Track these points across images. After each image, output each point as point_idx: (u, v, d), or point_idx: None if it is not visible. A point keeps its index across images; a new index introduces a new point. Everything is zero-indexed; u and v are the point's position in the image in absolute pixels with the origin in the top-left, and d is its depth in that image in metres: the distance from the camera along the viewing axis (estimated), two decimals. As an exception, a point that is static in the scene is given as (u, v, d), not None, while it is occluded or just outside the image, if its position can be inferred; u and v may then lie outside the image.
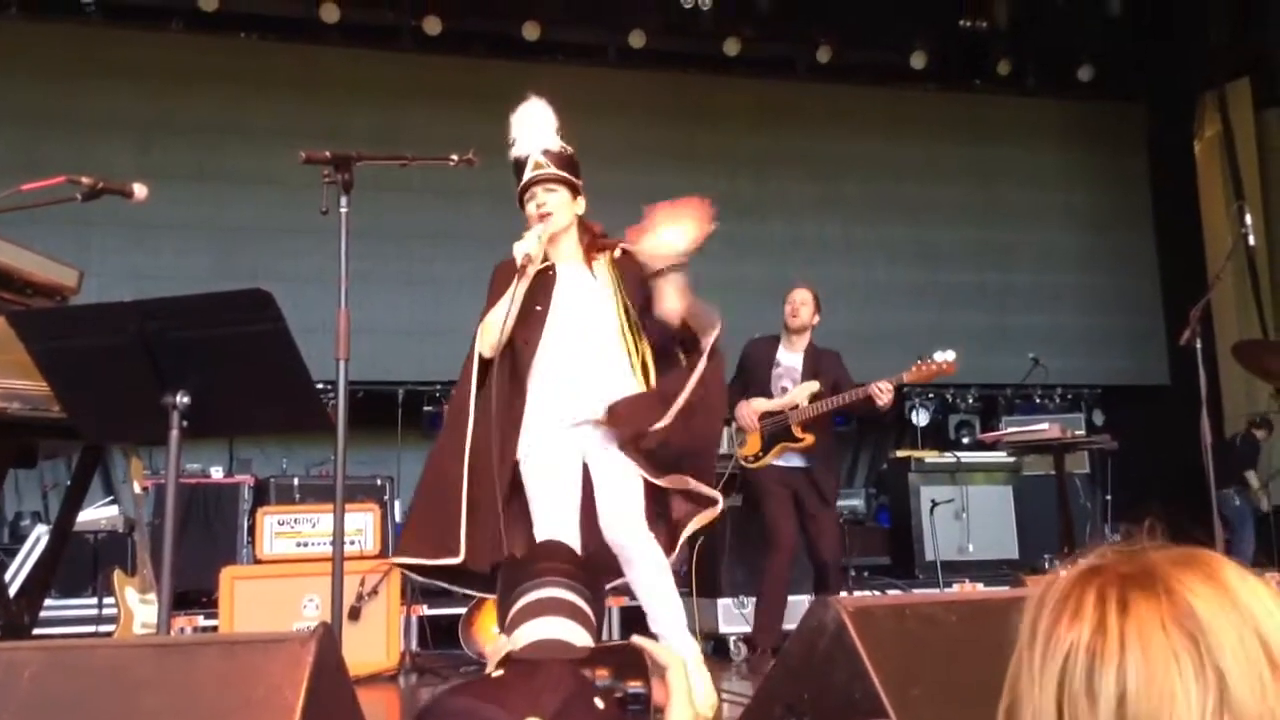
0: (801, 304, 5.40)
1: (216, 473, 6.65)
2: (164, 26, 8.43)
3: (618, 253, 3.54)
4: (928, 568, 7.15)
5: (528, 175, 3.48)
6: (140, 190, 2.97)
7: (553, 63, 9.02)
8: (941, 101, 9.89)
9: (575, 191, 3.53)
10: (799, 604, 5.45)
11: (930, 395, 9.40)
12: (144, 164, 7.62)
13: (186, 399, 2.38)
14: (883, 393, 5.03)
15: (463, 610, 5.36)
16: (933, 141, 9.70)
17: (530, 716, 2.66)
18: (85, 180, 2.88)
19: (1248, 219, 4.83)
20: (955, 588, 6.80)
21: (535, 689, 2.86)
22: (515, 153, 3.56)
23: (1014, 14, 8.98)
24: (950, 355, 5.07)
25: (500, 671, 3.16)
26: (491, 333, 3.39)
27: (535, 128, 3.56)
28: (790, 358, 5.42)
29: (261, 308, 2.29)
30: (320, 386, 2.87)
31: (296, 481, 6.45)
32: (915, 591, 6.90)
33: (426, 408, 8.19)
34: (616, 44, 9.06)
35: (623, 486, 3.36)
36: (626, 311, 3.48)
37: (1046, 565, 7.34)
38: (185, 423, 2.40)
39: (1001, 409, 9.37)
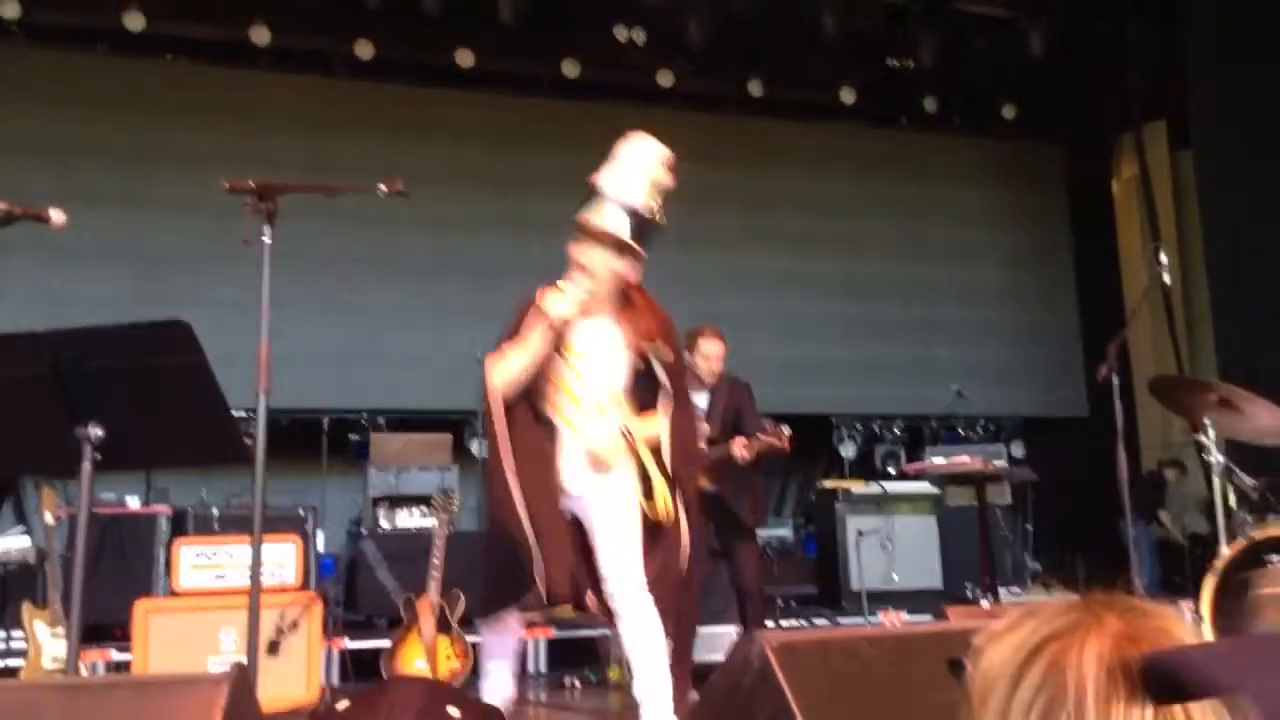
0: (717, 359, 5.27)
1: (133, 502, 6.49)
2: (89, 48, 8.27)
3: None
4: (854, 597, 7.22)
5: (591, 219, 3.40)
6: (58, 216, 2.88)
7: (486, 91, 9.02)
8: (869, 138, 10.07)
9: (632, 258, 3.46)
10: (726, 634, 5.47)
11: (858, 426, 9.51)
12: (64, 187, 7.44)
13: (100, 432, 2.32)
14: (744, 449, 5.09)
15: (386, 643, 5.28)
16: (860, 177, 9.87)
17: None
18: (0, 205, 2.80)
19: (1163, 258, 4.97)
20: (880, 617, 6.88)
21: (381, 712, 2.84)
22: (602, 181, 3.45)
23: (939, 54, 9.18)
24: (786, 430, 5.12)
25: (345, 703, 3.14)
26: (508, 375, 3.38)
27: (637, 173, 3.44)
28: (697, 397, 5.34)
29: (180, 340, 2.23)
30: (242, 414, 2.82)
31: (215, 512, 6.32)
32: (841, 621, 6.96)
33: (352, 436, 8.08)
34: (550, 75, 9.08)
35: (620, 542, 3.41)
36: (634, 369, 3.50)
37: (969, 594, 7.44)
38: (98, 456, 2.34)
39: (927, 440, 9.50)
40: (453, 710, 2.98)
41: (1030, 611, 0.93)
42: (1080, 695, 0.84)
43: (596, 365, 3.47)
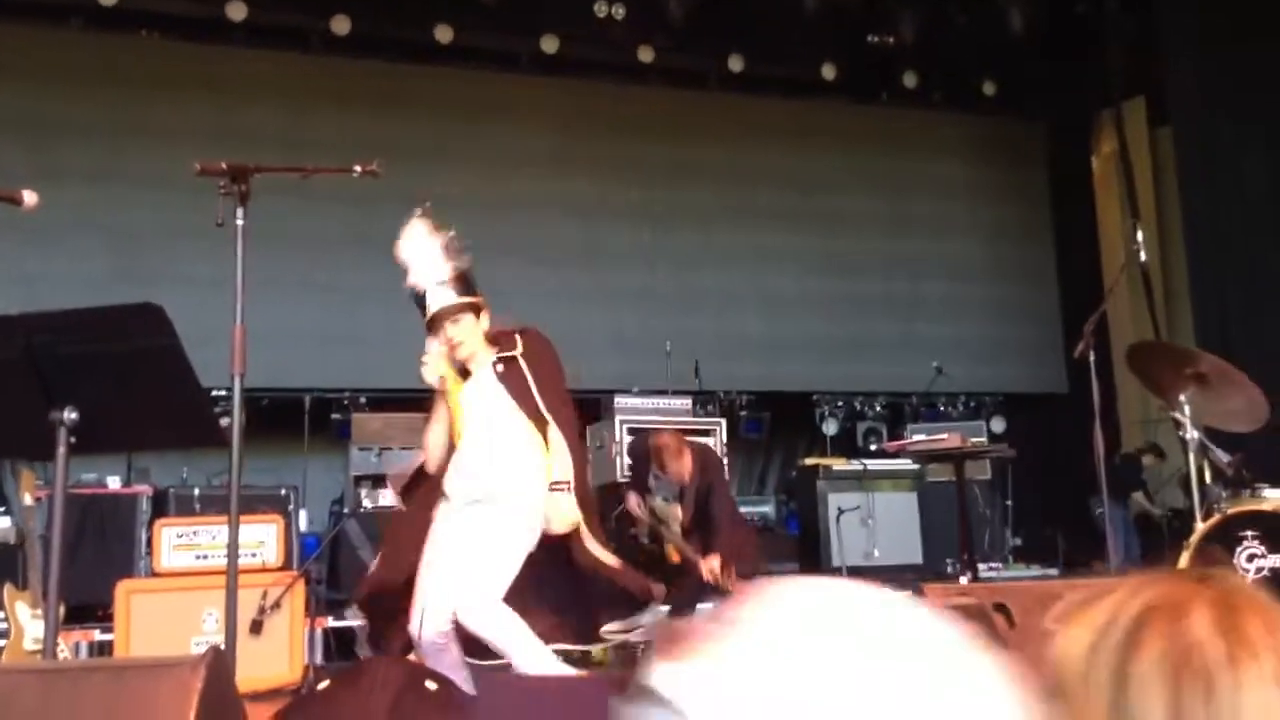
0: (686, 472, 5.41)
1: (113, 482, 6.45)
2: (62, 23, 8.18)
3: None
4: (835, 574, 7.24)
5: (431, 311, 3.68)
6: (30, 198, 2.87)
7: (464, 67, 8.96)
8: (850, 114, 10.06)
9: (478, 310, 3.74)
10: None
11: (839, 403, 9.54)
12: (38, 164, 7.37)
13: (75, 415, 2.30)
14: (710, 574, 5.19)
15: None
16: (842, 153, 9.86)
17: None
18: (-29, 187, 2.77)
19: (1139, 236, 4.99)
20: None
21: (363, 693, 2.86)
22: (410, 282, 3.72)
23: (920, 30, 9.17)
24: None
25: (326, 683, 3.16)
26: (432, 455, 3.83)
27: (422, 257, 3.71)
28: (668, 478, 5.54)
29: (153, 323, 2.22)
30: (222, 393, 2.82)
31: (197, 492, 6.31)
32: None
33: (334, 415, 8.05)
34: (529, 50, 9.03)
35: (488, 558, 3.57)
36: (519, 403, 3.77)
37: (949, 569, 7.50)
38: (73, 439, 2.33)
39: (908, 416, 9.55)
40: (430, 684, 3.00)
41: (1099, 590, 0.93)
42: (1207, 661, 0.85)
43: (483, 414, 3.75)
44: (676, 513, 5.43)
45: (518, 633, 3.45)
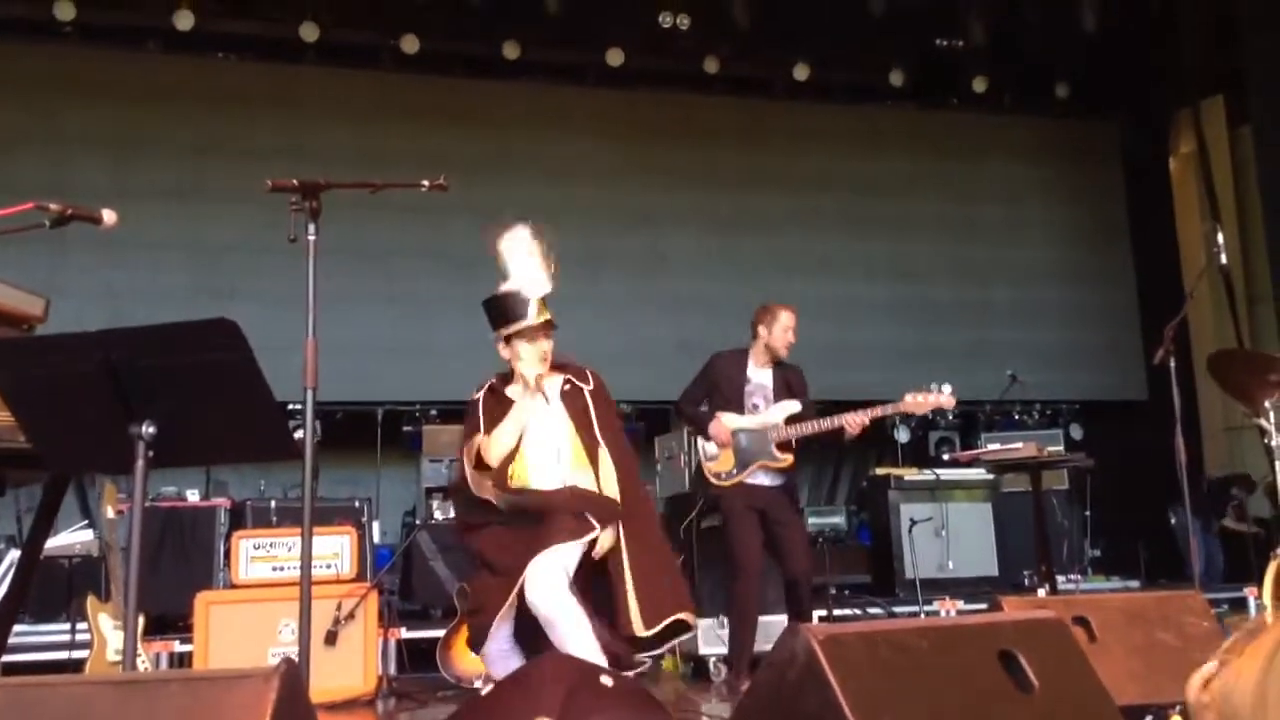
0: (794, 331, 5.39)
1: (193, 495, 6.60)
2: (141, 47, 8.41)
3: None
4: (908, 586, 7.15)
5: (537, 319, 3.87)
6: (110, 216, 2.94)
7: (531, 82, 9.04)
8: (919, 119, 9.95)
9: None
10: (776, 624, 5.44)
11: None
12: (121, 183, 7.60)
13: (152, 429, 2.35)
14: (852, 427, 5.13)
15: (441, 633, 5.33)
16: (910, 159, 9.75)
17: (539, 717, 2.63)
18: (53, 207, 2.84)
19: (1219, 238, 4.86)
20: (936, 605, 6.81)
21: (534, 689, 2.85)
22: (512, 286, 3.86)
23: (990, 32, 9.04)
24: (947, 389, 5.15)
25: (490, 687, 3.18)
26: (500, 447, 3.89)
27: (534, 267, 3.86)
28: (761, 374, 5.39)
29: (227, 338, 2.26)
30: (296, 407, 2.87)
31: (273, 504, 6.41)
32: (896, 610, 6.90)
33: (406, 427, 8.15)
34: (595, 64, 9.08)
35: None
36: (574, 424, 3.97)
37: (1026, 582, 7.36)
38: (151, 453, 2.37)
39: (981, 425, 9.38)
40: (607, 680, 3.00)
41: (1258, 626, 0.94)
42: None
43: (545, 434, 3.93)
44: (788, 407, 5.27)
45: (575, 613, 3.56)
